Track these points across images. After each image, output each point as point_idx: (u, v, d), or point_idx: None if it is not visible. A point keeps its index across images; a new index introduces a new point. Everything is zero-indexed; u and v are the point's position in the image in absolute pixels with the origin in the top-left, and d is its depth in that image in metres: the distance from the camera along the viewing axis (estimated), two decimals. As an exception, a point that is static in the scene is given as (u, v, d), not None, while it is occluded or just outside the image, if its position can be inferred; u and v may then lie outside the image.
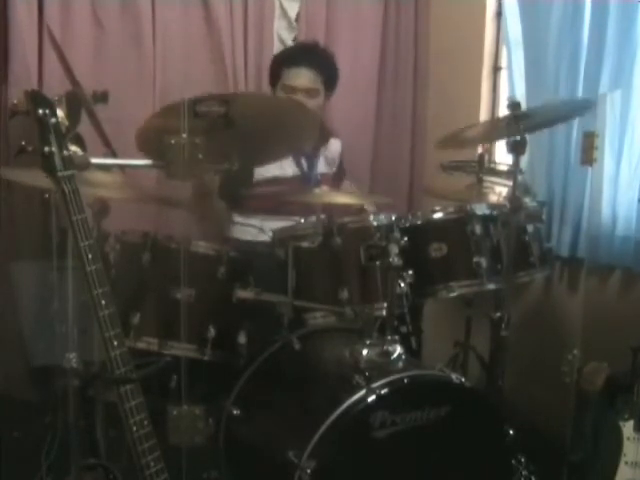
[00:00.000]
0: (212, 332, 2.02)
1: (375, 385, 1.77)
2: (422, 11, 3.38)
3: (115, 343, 1.49)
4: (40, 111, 1.44)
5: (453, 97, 3.25)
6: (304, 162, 2.64)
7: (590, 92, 2.51)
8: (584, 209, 2.62)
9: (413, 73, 3.42)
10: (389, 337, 1.90)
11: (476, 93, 3.18)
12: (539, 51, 2.72)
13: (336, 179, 2.84)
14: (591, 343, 2.21)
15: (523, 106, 2.22)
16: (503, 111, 2.38)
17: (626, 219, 2.51)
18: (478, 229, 2.11)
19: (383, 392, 1.76)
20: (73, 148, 1.51)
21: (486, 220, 2.13)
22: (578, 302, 2.60)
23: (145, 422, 1.53)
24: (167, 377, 1.98)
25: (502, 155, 3.00)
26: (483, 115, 3.19)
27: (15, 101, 2.14)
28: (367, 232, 2.02)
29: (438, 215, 2.16)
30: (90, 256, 1.48)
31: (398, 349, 1.89)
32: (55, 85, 2.56)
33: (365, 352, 1.89)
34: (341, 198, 2.36)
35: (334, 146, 2.83)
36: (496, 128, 2.27)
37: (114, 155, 2.16)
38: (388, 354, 1.88)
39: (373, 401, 1.74)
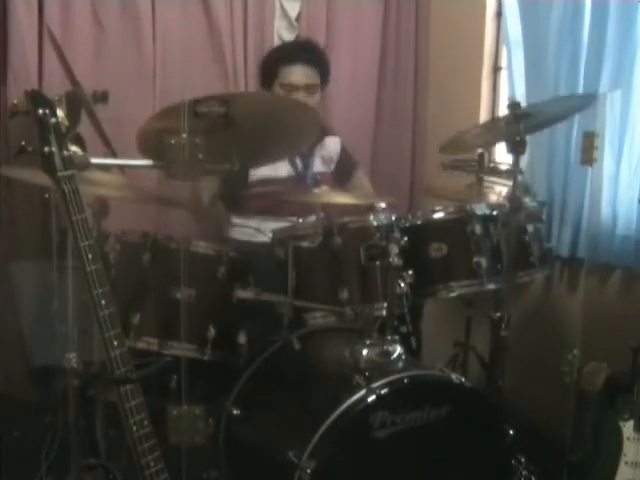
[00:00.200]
0: (212, 332, 2.02)
1: (375, 385, 1.77)
2: (422, 11, 3.38)
3: (115, 343, 1.49)
4: (40, 111, 1.44)
5: (453, 97, 3.25)
6: (299, 162, 2.63)
7: (590, 92, 2.51)
8: (584, 209, 2.61)
9: (413, 73, 3.41)
10: (389, 337, 1.90)
11: (476, 93, 3.18)
12: (539, 51, 2.72)
13: (344, 175, 2.82)
14: (591, 343, 2.21)
15: (523, 106, 2.22)
16: (503, 111, 2.38)
17: (626, 219, 2.51)
18: (478, 229, 2.11)
19: (383, 392, 1.76)
20: (73, 148, 1.51)
21: (486, 220, 2.13)
22: (578, 302, 2.60)
23: (145, 422, 1.53)
24: (167, 377, 1.98)
25: (502, 155, 2.99)
26: (483, 115, 3.19)
27: (15, 101, 2.13)
28: (367, 232, 2.02)
29: (438, 215, 2.16)
30: (90, 256, 1.47)
31: (398, 349, 1.89)
32: (55, 85, 2.57)
33: (365, 352, 1.89)
34: (341, 198, 2.34)
35: (331, 145, 2.79)
36: (499, 130, 2.26)
37: (114, 155, 2.17)
38: (388, 354, 1.88)
39: (373, 401, 1.74)
